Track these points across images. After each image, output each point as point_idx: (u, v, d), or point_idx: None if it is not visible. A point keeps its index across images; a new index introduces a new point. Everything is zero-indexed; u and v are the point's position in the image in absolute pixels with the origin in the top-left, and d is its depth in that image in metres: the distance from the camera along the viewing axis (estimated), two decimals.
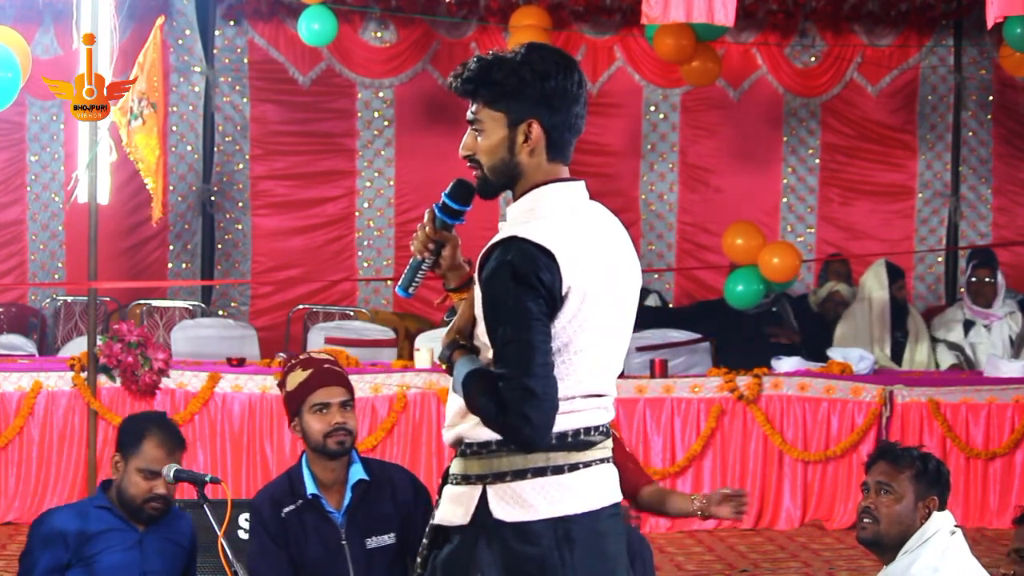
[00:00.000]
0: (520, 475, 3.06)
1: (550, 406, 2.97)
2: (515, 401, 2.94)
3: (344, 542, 4.37)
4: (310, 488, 4.40)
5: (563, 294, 3.01)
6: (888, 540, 4.07)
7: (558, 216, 3.08)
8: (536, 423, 2.95)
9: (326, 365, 4.47)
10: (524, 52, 3.11)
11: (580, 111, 3.14)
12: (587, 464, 3.11)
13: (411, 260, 3.22)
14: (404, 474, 4.59)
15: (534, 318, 2.97)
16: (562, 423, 3.05)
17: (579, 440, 3.09)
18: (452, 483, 3.15)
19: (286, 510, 4.40)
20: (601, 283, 3.08)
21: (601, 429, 3.15)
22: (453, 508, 3.12)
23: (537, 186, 3.12)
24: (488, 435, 3.05)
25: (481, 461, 3.08)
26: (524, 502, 3.05)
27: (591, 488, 3.11)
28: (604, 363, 3.13)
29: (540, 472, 3.06)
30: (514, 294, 2.97)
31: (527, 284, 2.97)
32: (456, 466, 3.14)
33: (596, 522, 3.11)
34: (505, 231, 3.06)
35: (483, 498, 3.07)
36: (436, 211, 3.19)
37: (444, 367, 3.15)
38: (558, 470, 3.07)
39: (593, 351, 3.08)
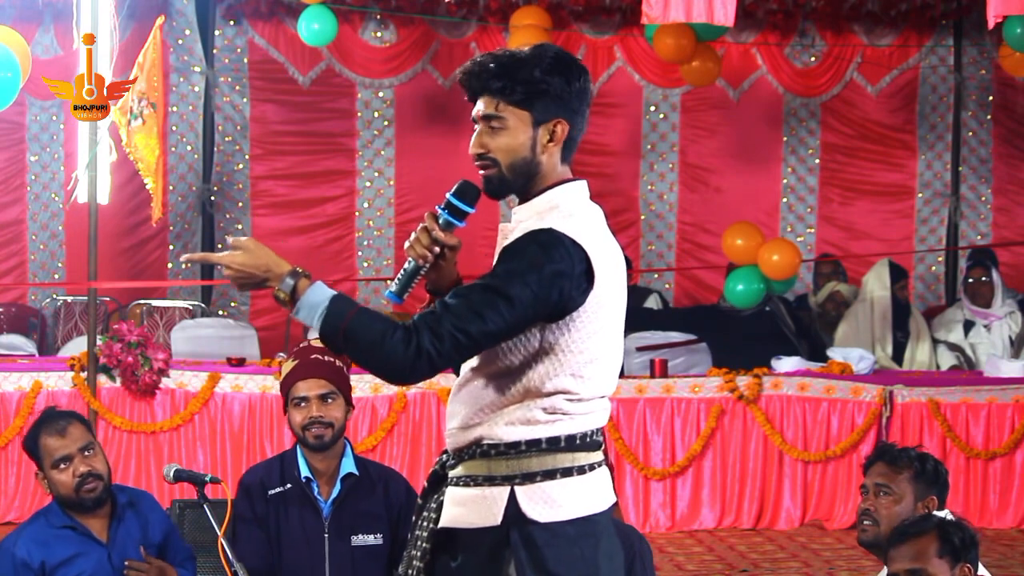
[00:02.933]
0: (550, 475, 3.05)
1: (441, 365, 2.95)
2: (426, 333, 2.91)
3: (326, 534, 4.34)
4: (304, 472, 4.39)
5: (584, 289, 2.99)
6: None
7: (581, 214, 3.08)
8: (420, 367, 2.92)
9: (313, 355, 4.44)
10: (550, 53, 3.10)
11: (588, 115, 3.17)
12: (599, 464, 3.14)
13: (406, 265, 3.13)
14: (400, 478, 4.58)
15: (515, 303, 2.92)
16: (582, 424, 3.08)
17: (593, 441, 3.12)
18: (466, 484, 3.09)
19: (273, 492, 4.38)
20: (613, 282, 3.09)
21: (601, 430, 3.16)
22: (475, 510, 3.07)
23: (553, 186, 3.11)
24: (517, 436, 3.04)
25: (509, 462, 3.05)
26: (554, 502, 3.05)
27: (603, 488, 3.14)
28: (613, 363, 3.15)
29: (567, 472, 3.06)
30: (529, 271, 2.94)
31: (544, 271, 2.94)
32: (475, 467, 3.08)
33: (607, 521, 3.13)
34: (531, 224, 3.03)
35: (512, 499, 3.04)
36: (442, 213, 3.12)
37: (283, 297, 2.99)
38: (581, 470, 3.09)
39: (608, 353, 3.10)
